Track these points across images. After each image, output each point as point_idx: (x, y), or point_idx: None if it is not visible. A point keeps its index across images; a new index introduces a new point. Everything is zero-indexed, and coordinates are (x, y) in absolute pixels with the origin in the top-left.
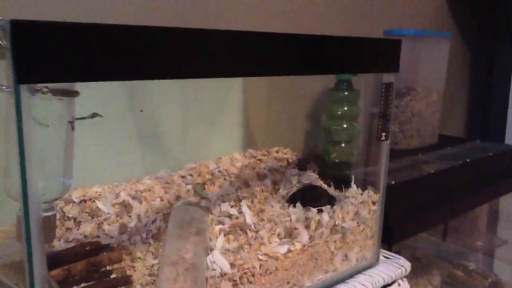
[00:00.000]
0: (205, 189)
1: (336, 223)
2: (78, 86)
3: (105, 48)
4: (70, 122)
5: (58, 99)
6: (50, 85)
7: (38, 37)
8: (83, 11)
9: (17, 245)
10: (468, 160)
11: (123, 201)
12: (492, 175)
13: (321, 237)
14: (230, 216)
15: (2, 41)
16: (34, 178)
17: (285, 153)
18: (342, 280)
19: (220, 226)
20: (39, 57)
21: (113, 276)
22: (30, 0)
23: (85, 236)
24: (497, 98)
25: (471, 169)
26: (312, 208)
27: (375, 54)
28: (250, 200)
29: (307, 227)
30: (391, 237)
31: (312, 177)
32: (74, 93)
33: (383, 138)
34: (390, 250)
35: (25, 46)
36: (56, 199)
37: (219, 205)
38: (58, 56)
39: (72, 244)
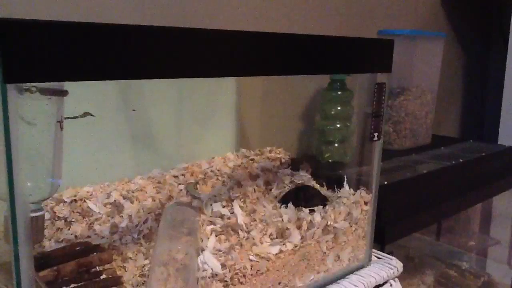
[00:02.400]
0: (197, 189)
1: (328, 223)
2: (69, 85)
3: (95, 48)
4: (59, 121)
5: (47, 98)
6: (38, 84)
7: (26, 36)
8: (72, 10)
9: (5, 246)
10: (461, 160)
11: (115, 201)
12: (485, 175)
13: (313, 237)
14: (222, 216)
15: None
16: (21, 178)
17: (278, 153)
18: (334, 280)
19: (212, 226)
20: (27, 56)
21: (103, 276)
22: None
23: (76, 236)
24: (491, 98)
25: (464, 169)
26: (304, 209)
27: (368, 54)
28: (242, 200)
29: (299, 227)
30: (384, 237)
31: (304, 177)
32: (63, 92)
33: (375, 138)
34: (383, 250)
35: (13, 45)
36: (44, 199)
37: (211, 205)
38: (47, 55)
39: (62, 244)
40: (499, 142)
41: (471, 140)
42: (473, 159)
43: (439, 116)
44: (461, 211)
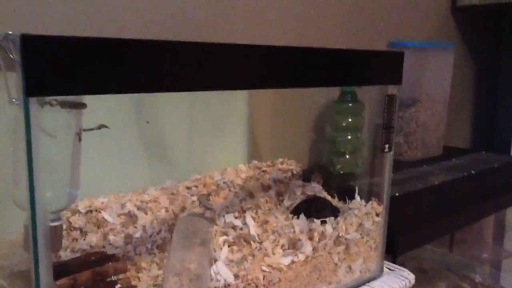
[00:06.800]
0: (210, 200)
1: (340, 234)
2: (86, 97)
3: (112, 62)
4: (77, 133)
5: (66, 111)
6: (58, 97)
7: (47, 51)
8: (91, 25)
9: (24, 254)
10: (473, 172)
11: (129, 211)
12: (498, 186)
13: (324, 248)
14: (234, 227)
15: (12, 55)
16: (41, 188)
17: (290, 165)
18: None
19: (225, 237)
20: (49, 71)
21: (118, 286)
22: (39, 14)
23: (91, 246)
24: (502, 109)
25: (476, 180)
26: (315, 220)
27: (378, 66)
28: (254, 211)
29: (311, 238)
30: (396, 248)
31: (316, 189)
32: (81, 105)
33: (386, 149)
34: (394, 262)
35: (35, 60)
36: (62, 209)
37: (224, 216)
38: (67, 70)
39: (78, 254)
40: (511, 153)
41: (483, 152)
42: (485, 171)
43: (450, 127)
44: (474, 223)
